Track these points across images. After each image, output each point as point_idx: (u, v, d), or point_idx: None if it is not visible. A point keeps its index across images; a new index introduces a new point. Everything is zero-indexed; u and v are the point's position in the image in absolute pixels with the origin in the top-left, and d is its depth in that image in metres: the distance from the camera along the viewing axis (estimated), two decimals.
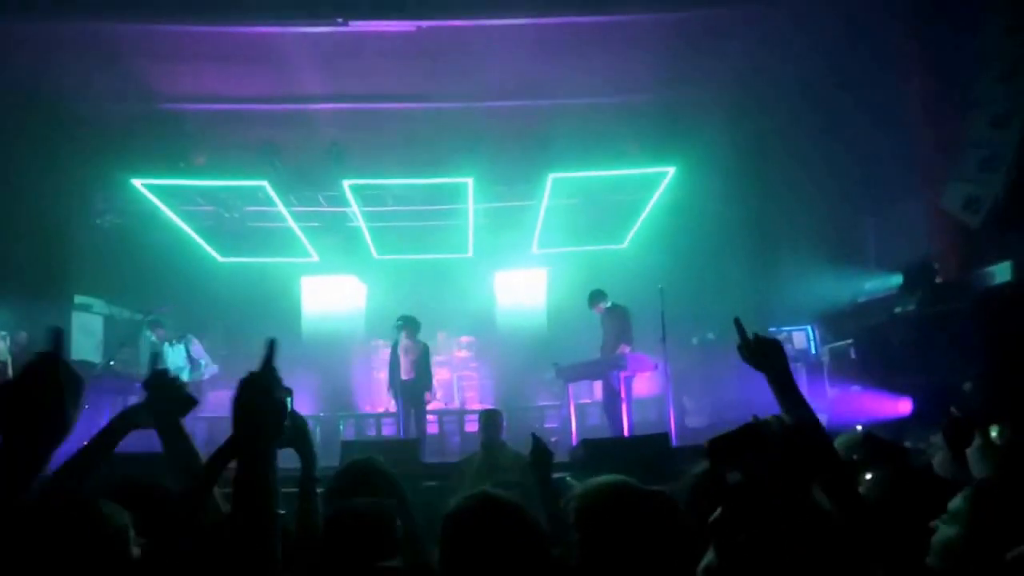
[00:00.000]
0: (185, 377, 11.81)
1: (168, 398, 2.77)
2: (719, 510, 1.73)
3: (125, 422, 2.72)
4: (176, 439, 2.74)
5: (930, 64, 10.81)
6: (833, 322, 12.07)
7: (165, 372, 2.88)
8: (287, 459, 3.02)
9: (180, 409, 2.79)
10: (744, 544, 1.68)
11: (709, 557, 1.90)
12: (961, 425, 3.62)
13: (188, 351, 12.30)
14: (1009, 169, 9.57)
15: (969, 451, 3.44)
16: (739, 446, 1.76)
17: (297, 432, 2.79)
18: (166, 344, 12.30)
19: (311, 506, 2.89)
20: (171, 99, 12.84)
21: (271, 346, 1.93)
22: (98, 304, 13.85)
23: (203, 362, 12.49)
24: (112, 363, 11.74)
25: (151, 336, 12.36)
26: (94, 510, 1.84)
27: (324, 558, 2.63)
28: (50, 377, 1.74)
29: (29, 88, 11.30)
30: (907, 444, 4.94)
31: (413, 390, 12.00)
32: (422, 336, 12.46)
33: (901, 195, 11.94)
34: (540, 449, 4.08)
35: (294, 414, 2.69)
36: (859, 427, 4.55)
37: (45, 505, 1.80)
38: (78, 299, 13.47)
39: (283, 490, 1.81)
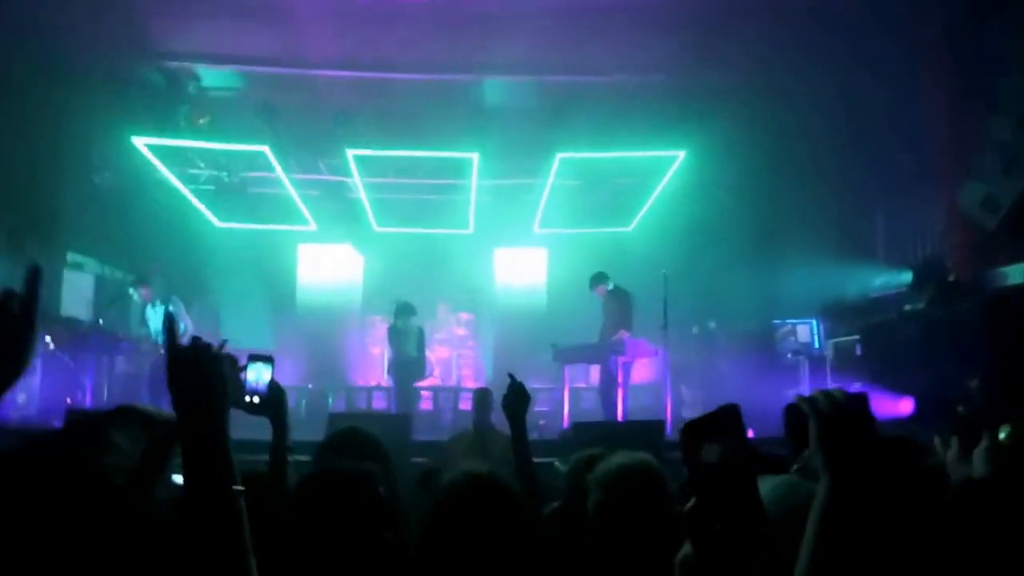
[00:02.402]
0: (161, 340, 11.72)
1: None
2: (694, 499, 1.56)
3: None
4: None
5: (955, 58, 10.62)
6: (840, 316, 11.94)
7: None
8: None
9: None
10: (721, 535, 1.51)
11: (685, 549, 1.76)
12: (971, 424, 3.48)
13: (168, 311, 12.07)
14: None
15: (975, 452, 3.31)
16: (715, 426, 1.58)
17: (273, 401, 2.77)
18: (148, 305, 12.06)
19: (282, 474, 2.88)
20: (176, 57, 12.67)
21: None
22: (90, 263, 13.73)
23: (183, 325, 12.25)
24: (100, 321, 11.61)
25: (134, 295, 12.11)
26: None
27: (295, 520, 2.49)
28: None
29: (28, 38, 11.08)
30: None
31: (417, 367, 12.68)
32: (421, 312, 13.07)
33: (915, 191, 11.77)
34: (516, 391, 3.89)
35: (273, 383, 2.69)
36: None
37: None
38: (70, 256, 13.35)
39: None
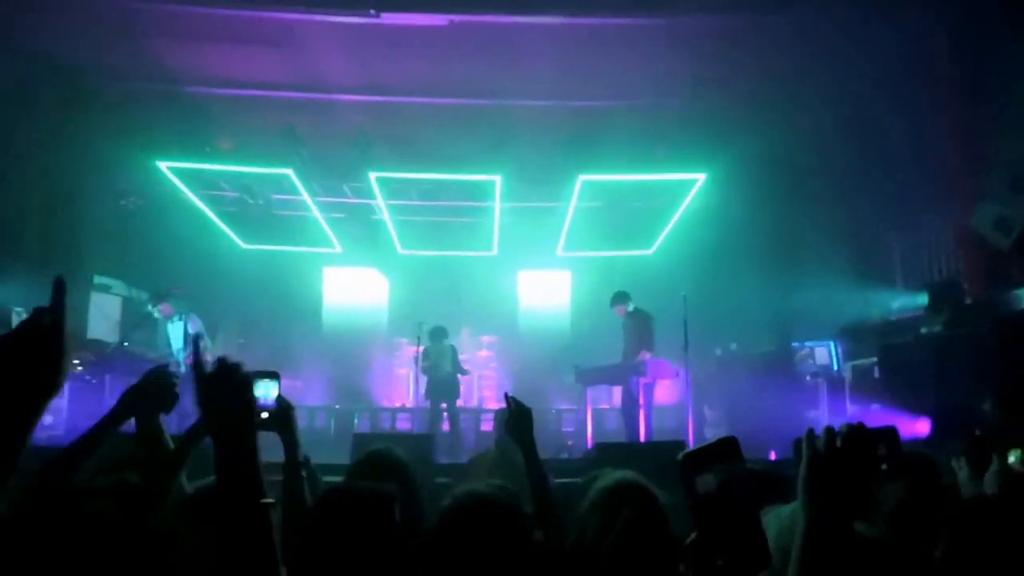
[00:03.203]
0: (181, 357, 11.86)
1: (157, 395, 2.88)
2: (695, 533, 1.54)
3: (126, 409, 2.87)
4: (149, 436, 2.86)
5: (966, 80, 10.64)
6: (858, 338, 11.93)
7: (166, 369, 3.03)
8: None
9: (160, 406, 2.90)
10: (722, 569, 1.49)
11: None
12: (983, 446, 3.54)
13: (186, 328, 12.19)
14: None
15: (987, 474, 3.37)
16: (713, 457, 1.56)
17: (282, 416, 2.82)
18: (168, 321, 12.20)
19: (296, 492, 2.90)
20: (199, 82, 12.80)
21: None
22: (117, 285, 13.88)
23: (204, 342, 12.38)
24: (126, 344, 11.77)
25: (154, 311, 12.23)
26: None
27: (311, 539, 2.55)
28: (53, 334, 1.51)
29: (55, 65, 11.29)
30: None
31: (455, 386, 13.15)
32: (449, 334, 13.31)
33: (930, 212, 11.80)
34: (516, 412, 3.78)
35: (281, 399, 2.74)
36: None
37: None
38: (97, 279, 13.51)
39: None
